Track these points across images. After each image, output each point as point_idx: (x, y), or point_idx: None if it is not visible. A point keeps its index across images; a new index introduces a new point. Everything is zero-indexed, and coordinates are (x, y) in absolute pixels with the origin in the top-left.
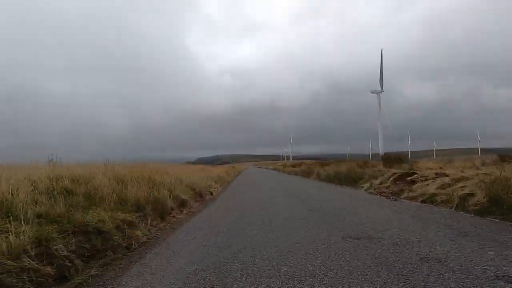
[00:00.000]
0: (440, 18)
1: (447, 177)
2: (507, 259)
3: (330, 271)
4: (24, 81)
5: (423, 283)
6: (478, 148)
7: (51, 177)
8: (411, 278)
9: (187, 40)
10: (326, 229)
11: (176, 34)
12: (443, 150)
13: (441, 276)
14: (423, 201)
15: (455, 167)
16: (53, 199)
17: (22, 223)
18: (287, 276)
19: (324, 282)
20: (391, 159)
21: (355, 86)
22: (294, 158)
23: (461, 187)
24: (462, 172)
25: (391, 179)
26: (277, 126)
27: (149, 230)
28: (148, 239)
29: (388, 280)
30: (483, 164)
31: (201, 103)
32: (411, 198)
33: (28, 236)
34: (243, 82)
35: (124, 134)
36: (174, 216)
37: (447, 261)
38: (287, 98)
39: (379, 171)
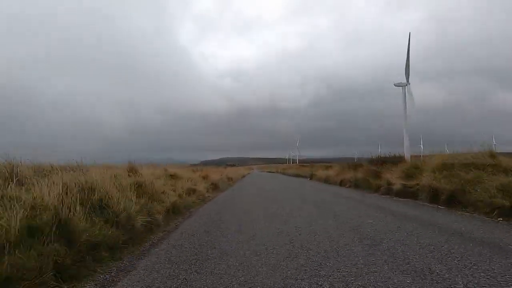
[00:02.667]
0: (446, 18)
1: None
2: None
3: None
4: (16, 80)
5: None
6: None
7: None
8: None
9: (188, 42)
10: None
11: (176, 35)
12: (456, 154)
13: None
14: None
15: None
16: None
17: None
18: None
19: None
20: None
21: (362, 88)
22: (300, 161)
23: None
24: None
25: None
26: (282, 129)
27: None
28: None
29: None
30: None
31: (207, 105)
32: None
33: None
34: (247, 84)
35: (127, 136)
36: None
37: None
38: (291, 100)
39: None
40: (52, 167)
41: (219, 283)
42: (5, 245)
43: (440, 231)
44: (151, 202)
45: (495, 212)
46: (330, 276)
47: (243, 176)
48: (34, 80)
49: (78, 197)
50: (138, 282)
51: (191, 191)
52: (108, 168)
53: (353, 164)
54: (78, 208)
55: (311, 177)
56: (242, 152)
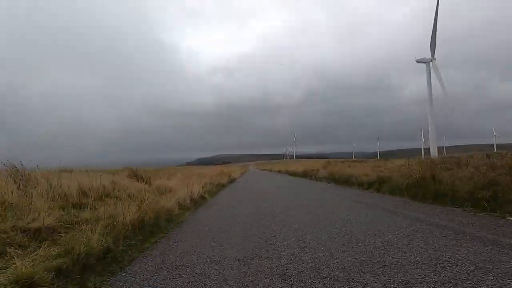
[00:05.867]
0: (445, 10)
1: None
2: None
3: None
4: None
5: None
6: (494, 144)
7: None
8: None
9: (181, 39)
10: None
11: (169, 32)
12: (457, 146)
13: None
14: None
15: None
16: None
17: None
18: None
19: None
20: None
21: (358, 84)
22: (297, 157)
23: None
24: None
25: None
26: (279, 126)
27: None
28: None
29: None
30: None
31: (201, 103)
32: None
33: None
34: (242, 81)
35: (122, 136)
36: None
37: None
38: (287, 97)
39: None
40: None
41: None
42: None
43: None
44: None
45: None
46: None
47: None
48: (20, 79)
49: None
50: None
51: None
52: None
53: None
54: None
55: None
56: (238, 149)
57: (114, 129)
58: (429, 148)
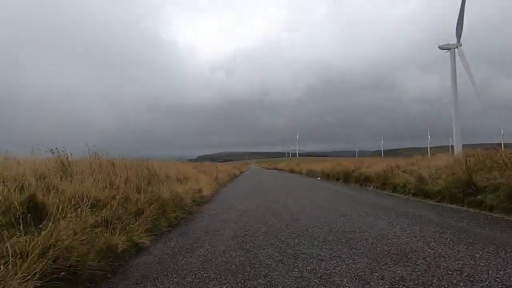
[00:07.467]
0: (446, 6)
1: None
2: None
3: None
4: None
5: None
6: (501, 143)
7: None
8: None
9: (181, 36)
10: None
11: (169, 28)
12: (465, 145)
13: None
14: None
15: None
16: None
17: None
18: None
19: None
20: None
21: (358, 82)
22: (299, 155)
23: None
24: None
25: None
26: (281, 124)
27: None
28: None
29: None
30: None
31: (203, 101)
32: None
33: None
34: (242, 79)
35: (121, 134)
36: None
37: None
38: (288, 95)
39: None
40: None
41: None
42: None
43: None
44: None
45: None
46: None
47: None
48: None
49: None
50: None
51: None
52: None
53: None
54: None
55: None
56: (240, 147)
57: (114, 126)
58: (448, 146)
